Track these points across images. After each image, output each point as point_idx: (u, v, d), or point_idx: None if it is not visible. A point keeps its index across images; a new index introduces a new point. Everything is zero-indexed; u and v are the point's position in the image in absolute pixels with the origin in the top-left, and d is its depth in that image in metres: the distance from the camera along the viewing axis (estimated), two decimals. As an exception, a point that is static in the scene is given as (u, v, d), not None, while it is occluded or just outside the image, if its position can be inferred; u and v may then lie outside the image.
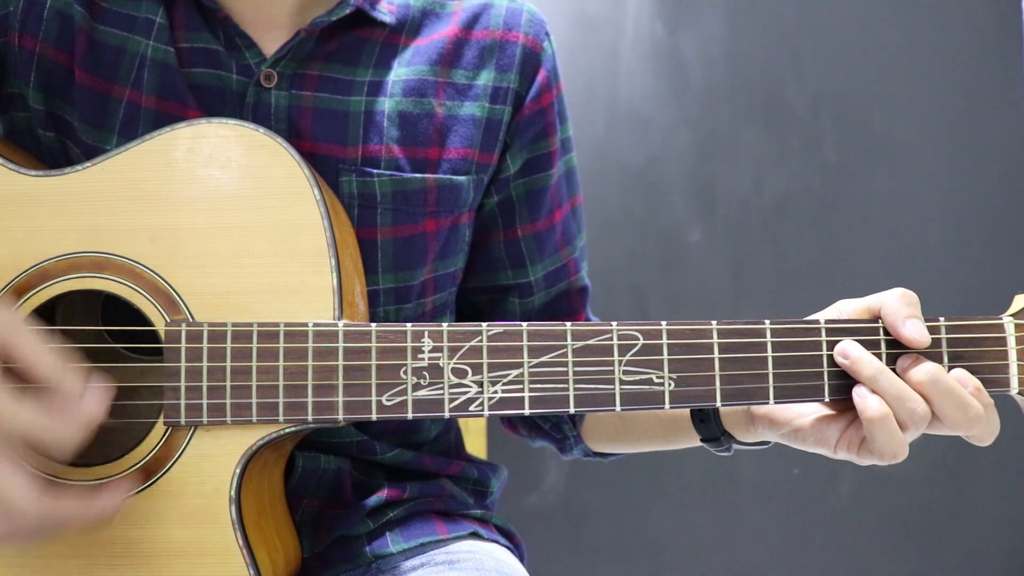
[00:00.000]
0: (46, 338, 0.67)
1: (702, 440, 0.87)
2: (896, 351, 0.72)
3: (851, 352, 0.72)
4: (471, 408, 0.71)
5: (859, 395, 0.71)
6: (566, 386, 0.71)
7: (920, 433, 0.72)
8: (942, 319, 0.73)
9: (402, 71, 0.89)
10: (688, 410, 0.87)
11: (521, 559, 0.95)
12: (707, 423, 0.85)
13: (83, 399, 0.66)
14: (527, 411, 0.71)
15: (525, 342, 0.72)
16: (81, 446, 0.66)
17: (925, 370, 0.71)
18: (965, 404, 0.71)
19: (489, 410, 0.71)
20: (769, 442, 0.85)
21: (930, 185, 2.18)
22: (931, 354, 0.73)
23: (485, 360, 0.72)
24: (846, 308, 0.76)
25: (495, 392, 0.71)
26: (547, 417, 1.00)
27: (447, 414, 0.71)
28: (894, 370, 0.72)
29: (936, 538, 2.15)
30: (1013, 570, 2.15)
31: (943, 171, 2.18)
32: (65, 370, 0.66)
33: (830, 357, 0.73)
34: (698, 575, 2.16)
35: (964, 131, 2.18)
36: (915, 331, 0.72)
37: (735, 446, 0.86)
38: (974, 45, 2.19)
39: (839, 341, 0.73)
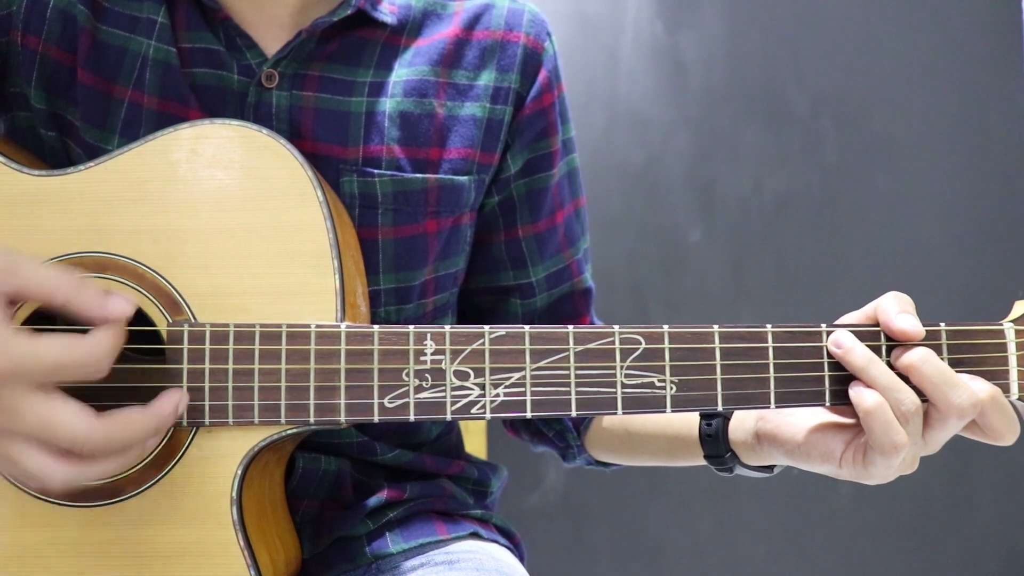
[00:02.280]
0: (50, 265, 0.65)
1: (706, 457, 0.86)
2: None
3: (844, 342, 0.72)
4: (473, 411, 0.71)
5: (854, 390, 0.71)
6: (568, 389, 0.71)
7: (919, 429, 0.71)
8: (942, 324, 0.73)
9: (403, 71, 0.89)
10: (695, 428, 0.87)
11: (521, 559, 0.95)
12: (714, 440, 0.85)
13: (108, 303, 0.65)
14: (529, 414, 0.71)
15: (527, 345, 0.72)
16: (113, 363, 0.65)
17: (914, 353, 0.70)
18: (954, 385, 0.69)
19: (491, 413, 0.71)
20: (771, 470, 0.84)
21: (930, 185, 2.18)
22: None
23: (487, 363, 0.72)
24: (847, 321, 0.76)
25: (497, 395, 0.71)
26: (551, 425, 1.00)
27: (449, 416, 0.71)
28: (889, 364, 0.72)
29: (936, 538, 2.16)
30: (1013, 570, 2.15)
31: (943, 171, 2.18)
32: (81, 284, 0.65)
33: (831, 362, 0.72)
34: (698, 575, 2.16)
35: (964, 131, 2.18)
36: (907, 323, 0.71)
37: (738, 469, 0.85)
38: (974, 45, 2.19)
39: None
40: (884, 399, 0.69)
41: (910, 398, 0.69)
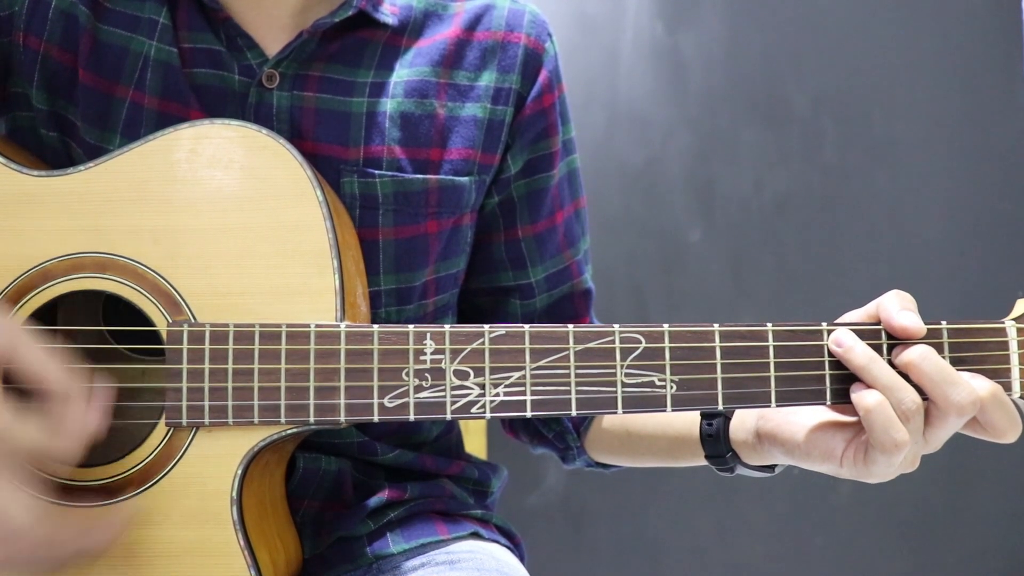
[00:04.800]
0: (49, 345, 0.66)
1: (707, 457, 0.86)
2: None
3: (844, 340, 0.71)
4: (473, 410, 0.71)
5: (855, 390, 0.71)
6: (568, 388, 0.71)
7: (920, 427, 0.70)
8: (944, 322, 0.73)
9: (404, 72, 0.89)
10: (696, 428, 0.87)
11: (521, 559, 0.95)
12: (715, 440, 0.84)
13: (87, 412, 0.66)
14: (529, 414, 0.71)
15: (527, 344, 0.72)
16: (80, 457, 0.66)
17: (914, 351, 0.70)
18: (954, 382, 0.69)
19: (491, 412, 0.71)
20: (772, 470, 0.84)
21: (930, 185, 2.18)
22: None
23: (487, 362, 0.72)
24: (849, 319, 0.76)
25: (497, 394, 0.71)
26: (550, 426, 1.00)
27: (449, 416, 0.71)
28: (890, 362, 0.71)
29: (936, 538, 2.16)
30: (1013, 570, 2.15)
31: (943, 171, 2.18)
32: (70, 380, 0.66)
33: (832, 361, 0.72)
34: (698, 575, 2.16)
35: (964, 131, 2.18)
36: (909, 320, 0.71)
37: (739, 469, 0.85)
38: (974, 45, 2.19)
39: None
40: (885, 398, 0.69)
41: (911, 396, 0.69)
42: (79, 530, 0.66)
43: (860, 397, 0.70)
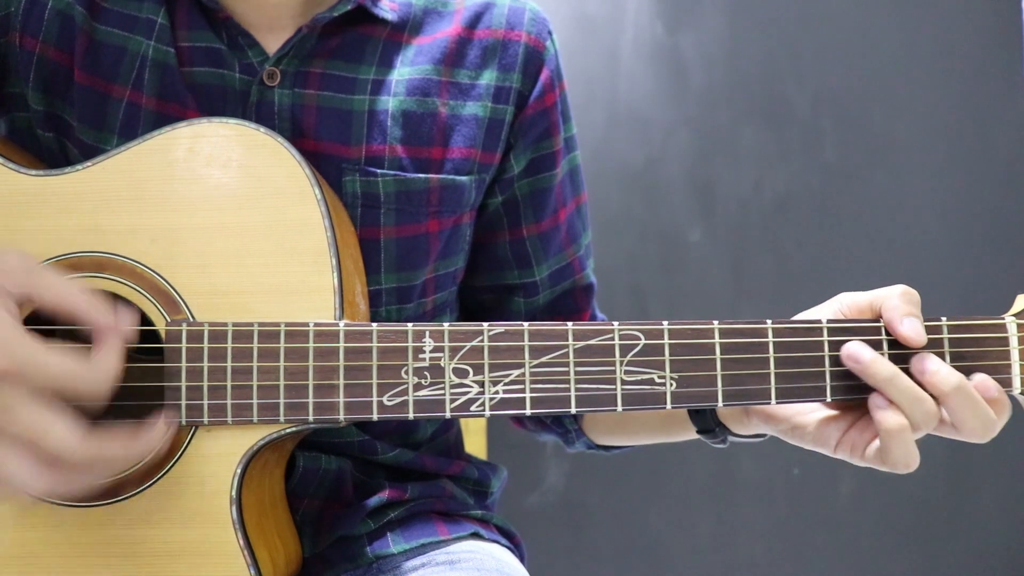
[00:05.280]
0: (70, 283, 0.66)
1: (698, 431, 0.87)
2: (899, 351, 0.72)
3: (863, 356, 0.71)
4: (472, 408, 0.71)
5: (876, 405, 0.70)
6: (567, 386, 0.71)
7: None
8: (944, 319, 0.73)
9: (405, 70, 0.88)
10: None
11: (521, 559, 0.95)
12: (702, 415, 0.85)
13: (118, 340, 0.65)
14: (528, 412, 0.71)
15: (526, 342, 0.72)
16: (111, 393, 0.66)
17: (950, 381, 0.70)
18: (987, 416, 0.70)
19: (490, 410, 0.71)
20: (765, 435, 0.85)
21: (930, 185, 2.18)
22: (933, 354, 0.72)
23: (486, 360, 0.71)
24: (847, 300, 0.76)
25: (496, 392, 0.71)
26: None
27: (448, 414, 0.71)
28: (904, 370, 0.71)
29: (936, 538, 2.15)
30: (1013, 570, 2.15)
31: (943, 171, 2.18)
32: (94, 303, 0.65)
33: (832, 357, 0.72)
34: (698, 575, 2.16)
35: (964, 131, 2.18)
36: (911, 329, 0.71)
37: (731, 438, 0.86)
38: (974, 45, 2.19)
39: (841, 341, 0.72)
40: (907, 422, 0.69)
41: (934, 407, 0.70)
42: (122, 445, 0.65)
43: (883, 417, 0.70)
